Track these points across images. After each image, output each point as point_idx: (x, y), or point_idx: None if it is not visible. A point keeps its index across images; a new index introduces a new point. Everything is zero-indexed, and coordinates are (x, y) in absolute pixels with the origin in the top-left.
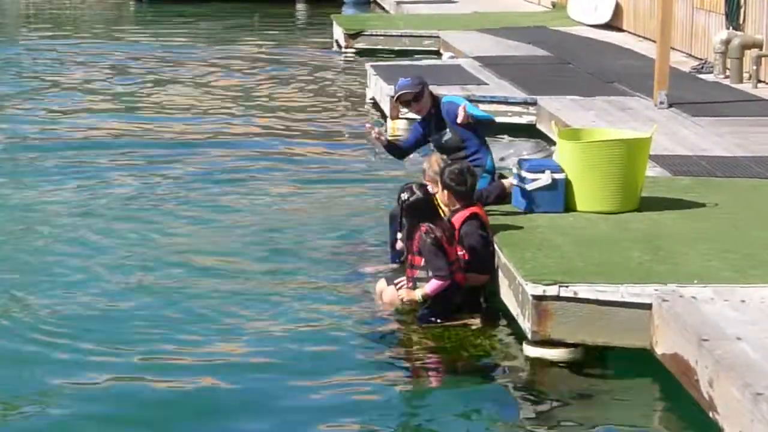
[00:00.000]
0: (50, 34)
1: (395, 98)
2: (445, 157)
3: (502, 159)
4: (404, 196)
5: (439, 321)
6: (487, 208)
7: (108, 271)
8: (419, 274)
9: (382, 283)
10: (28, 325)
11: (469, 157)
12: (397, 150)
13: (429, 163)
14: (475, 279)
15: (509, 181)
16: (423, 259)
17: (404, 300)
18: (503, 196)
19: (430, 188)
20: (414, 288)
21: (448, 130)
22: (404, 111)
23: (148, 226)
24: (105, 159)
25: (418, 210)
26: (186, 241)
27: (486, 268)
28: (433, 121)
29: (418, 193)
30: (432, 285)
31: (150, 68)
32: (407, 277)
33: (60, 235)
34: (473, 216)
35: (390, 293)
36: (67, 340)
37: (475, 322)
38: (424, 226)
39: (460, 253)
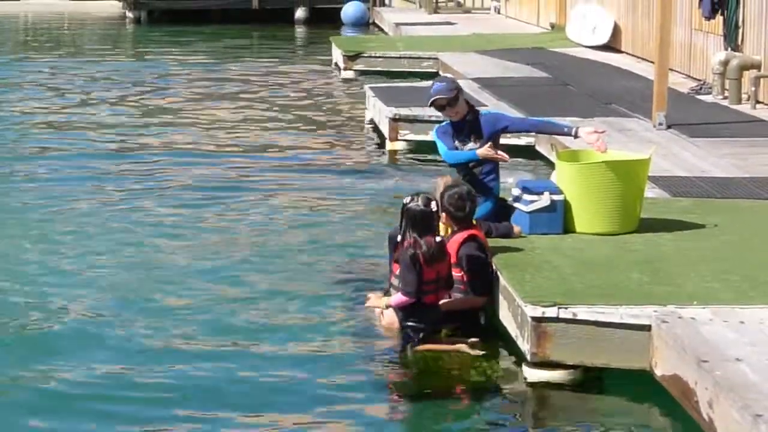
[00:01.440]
0: (48, 53)
1: (429, 103)
2: (450, 179)
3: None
4: (407, 200)
5: (415, 340)
6: None
7: (96, 296)
8: (394, 281)
9: (374, 300)
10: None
11: (483, 174)
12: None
13: (437, 184)
14: (472, 301)
15: (519, 228)
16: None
17: (370, 306)
18: (509, 236)
19: (434, 205)
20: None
21: (474, 143)
22: (403, 133)
23: (141, 246)
24: (100, 174)
25: (414, 218)
26: (181, 260)
27: (483, 290)
28: (467, 127)
29: (420, 203)
30: (396, 298)
31: (147, 88)
32: (389, 281)
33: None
34: (471, 238)
35: (389, 316)
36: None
37: (469, 347)
38: (411, 239)
39: (458, 274)
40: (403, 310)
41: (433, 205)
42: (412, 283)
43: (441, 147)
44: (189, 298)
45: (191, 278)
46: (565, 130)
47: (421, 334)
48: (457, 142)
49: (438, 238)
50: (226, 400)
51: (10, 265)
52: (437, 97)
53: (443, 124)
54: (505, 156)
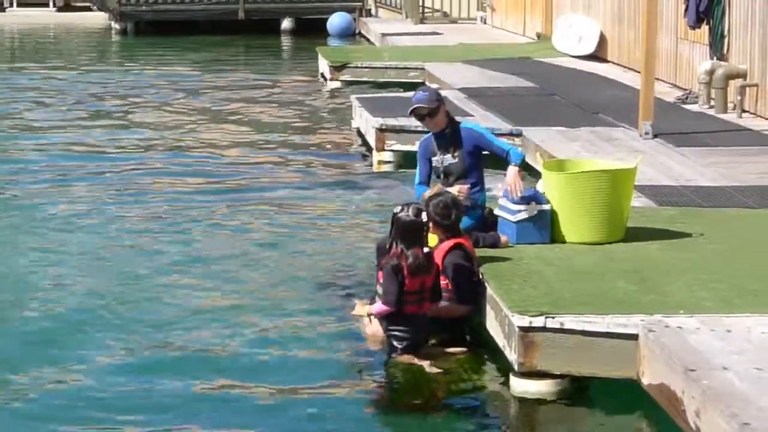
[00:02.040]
0: (34, 64)
1: (410, 111)
2: (437, 187)
3: (488, 190)
4: (397, 209)
5: (399, 350)
6: None
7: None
8: (378, 288)
9: (359, 308)
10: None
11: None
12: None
13: (430, 191)
14: (453, 310)
15: (506, 238)
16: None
17: (355, 314)
18: (496, 246)
19: (424, 216)
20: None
21: (456, 154)
22: (390, 143)
23: (121, 258)
24: (86, 184)
25: (404, 228)
26: (164, 271)
27: (466, 299)
28: (447, 140)
29: (410, 214)
30: (376, 306)
31: (131, 99)
32: (375, 289)
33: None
34: (457, 246)
35: (373, 325)
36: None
37: (454, 355)
38: (398, 249)
39: (443, 282)
40: (386, 320)
41: (424, 216)
42: (392, 293)
43: (416, 176)
44: (172, 310)
45: (175, 289)
46: (509, 161)
47: (405, 344)
48: (436, 157)
49: (426, 249)
50: (205, 410)
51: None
52: (418, 106)
53: (426, 136)
54: (464, 192)
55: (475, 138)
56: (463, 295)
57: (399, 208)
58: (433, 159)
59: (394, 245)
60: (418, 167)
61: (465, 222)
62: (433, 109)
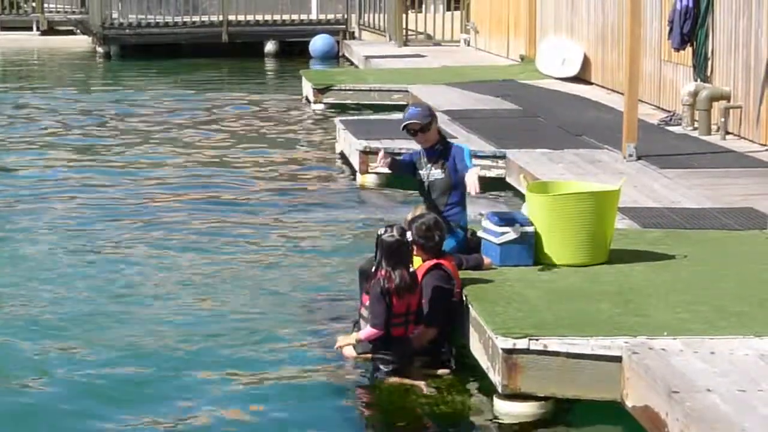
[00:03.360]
0: (18, 87)
1: (402, 126)
2: (420, 209)
3: (480, 214)
4: (381, 231)
5: (384, 373)
6: None
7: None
8: (364, 312)
9: (342, 339)
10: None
11: (448, 206)
12: (396, 165)
13: (412, 213)
14: (423, 335)
15: (489, 260)
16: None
17: (338, 346)
18: (479, 268)
19: (409, 235)
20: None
21: (441, 170)
22: (373, 165)
23: (107, 283)
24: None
25: (389, 249)
26: (147, 293)
27: (437, 321)
28: (437, 154)
29: (395, 234)
30: (365, 331)
31: (117, 123)
32: (358, 312)
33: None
34: (436, 266)
35: (343, 340)
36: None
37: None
38: (384, 271)
39: (424, 300)
40: (372, 343)
41: (408, 236)
42: (381, 316)
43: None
44: (155, 333)
45: (158, 311)
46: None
47: (390, 367)
48: (422, 170)
49: (411, 269)
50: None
51: None
52: (412, 121)
53: (414, 152)
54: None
55: (459, 155)
56: (434, 316)
57: (383, 229)
58: (420, 172)
59: (381, 267)
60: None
61: (447, 243)
62: (425, 124)
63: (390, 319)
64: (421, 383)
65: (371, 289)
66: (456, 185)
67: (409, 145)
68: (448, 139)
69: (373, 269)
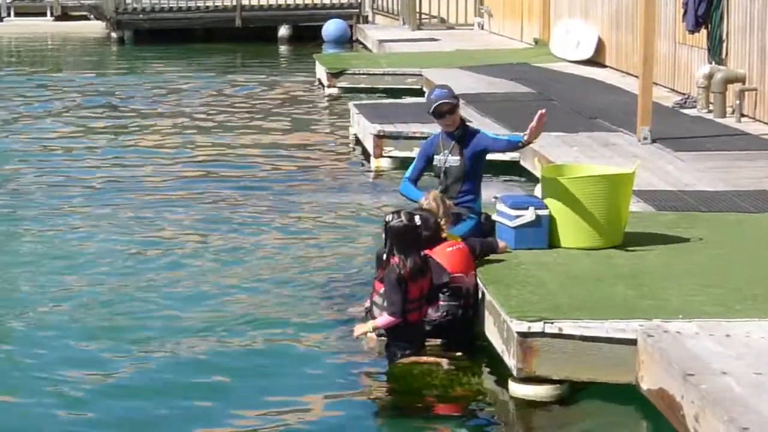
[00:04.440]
0: (31, 72)
1: (432, 108)
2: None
3: (495, 198)
4: (389, 217)
5: (401, 358)
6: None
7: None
8: (377, 299)
9: (360, 328)
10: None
11: (462, 192)
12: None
13: (427, 199)
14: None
15: (504, 244)
16: (383, 287)
17: (356, 335)
18: (494, 252)
19: (417, 219)
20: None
21: (458, 157)
22: (387, 150)
23: (121, 270)
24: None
25: (398, 235)
26: (162, 282)
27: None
28: (455, 139)
29: (402, 219)
30: (382, 319)
31: (131, 108)
32: (370, 300)
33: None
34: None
35: (360, 328)
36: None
37: (449, 363)
38: (396, 258)
39: None
40: (387, 330)
41: (417, 220)
42: (398, 303)
43: (408, 169)
44: (171, 321)
45: (173, 300)
46: (519, 144)
47: (407, 352)
48: (439, 156)
49: (422, 253)
50: (206, 418)
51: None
52: (443, 101)
53: (434, 135)
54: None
55: (481, 140)
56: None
57: (390, 216)
58: (436, 157)
59: (392, 253)
60: (414, 163)
61: (462, 228)
62: (454, 105)
63: (406, 305)
64: (442, 360)
65: (386, 277)
66: (471, 173)
67: (422, 129)
68: (466, 122)
69: (384, 256)
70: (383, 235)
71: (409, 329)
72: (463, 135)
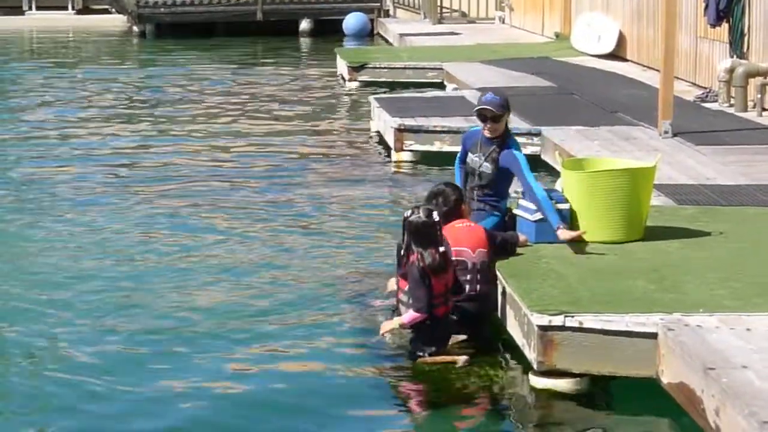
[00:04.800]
0: (53, 66)
1: (476, 110)
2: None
3: (516, 192)
4: (407, 213)
5: (425, 354)
6: None
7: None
8: (402, 296)
9: (386, 325)
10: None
11: (488, 195)
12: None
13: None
14: None
15: (524, 237)
16: (407, 284)
17: (383, 333)
18: (514, 245)
19: (436, 215)
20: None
21: (491, 165)
22: (408, 143)
23: (141, 255)
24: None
25: (417, 231)
26: (183, 273)
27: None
28: (492, 147)
29: (421, 215)
30: (408, 315)
31: (151, 100)
32: (396, 298)
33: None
34: None
35: (386, 326)
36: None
37: (465, 361)
38: (417, 253)
39: None
40: (413, 326)
41: (435, 216)
42: (423, 299)
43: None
44: (185, 315)
45: (186, 293)
46: (553, 225)
47: (432, 349)
48: (474, 156)
49: (441, 249)
50: (228, 411)
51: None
52: (486, 107)
53: (476, 130)
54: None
55: (510, 162)
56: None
57: (409, 211)
58: (471, 155)
59: (411, 249)
60: (461, 149)
61: (485, 224)
62: (498, 115)
63: (432, 300)
64: (459, 358)
65: (409, 274)
66: (499, 181)
67: (443, 123)
68: (511, 137)
69: (403, 252)
70: (402, 230)
71: (435, 325)
72: (501, 146)
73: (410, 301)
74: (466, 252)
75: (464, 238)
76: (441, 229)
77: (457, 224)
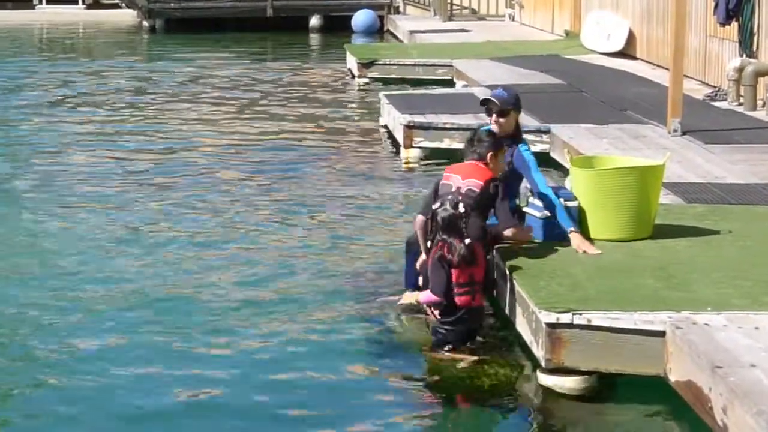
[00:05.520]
0: (63, 60)
1: (482, 101)
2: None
3: (525, 188)
4: (436, 205)
5: (448, 347)
6: None
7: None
8: (420, 282)
9: (407, 297)
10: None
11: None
12: None
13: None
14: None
15: (524, 232)
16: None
17: (400, 303)
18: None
19: (462, 207)
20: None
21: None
22: (417, 140)
23: (153, 253)
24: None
25: (442, 222)
26: (196, 268)
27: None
28: (506, 146)
29: (448, 207)
30: (425, 295)
31: (161, 95)
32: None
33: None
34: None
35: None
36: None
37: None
38: (440, 243)
39: None
40: (439, 311)
41: (461, 207)
42: (440, 285)
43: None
44: (197, 310)
45: (205, 284)
46: (567, 229)
47: (455, 342)
48: None
49: (467, 242)
50: (244, 407)
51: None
52: (491, 99)
53: (485, 128)
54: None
55: (520, 165)
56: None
57: (438, 204)
58: None
59: (437, 239)
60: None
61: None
62: (503, 110)
63: (451, 288)
64: (468, 357)
65: (431, 258)
66: (510, 179)
67: (453, 120)
68: (522, 138)
69: (429, 244)
70: (415, 235)
71: (456, 313)
72: (511, 145)
73: (429, 283)
74: (456, 178)
75: (464, 169)
76: (467, 222)
77: (472, 164)
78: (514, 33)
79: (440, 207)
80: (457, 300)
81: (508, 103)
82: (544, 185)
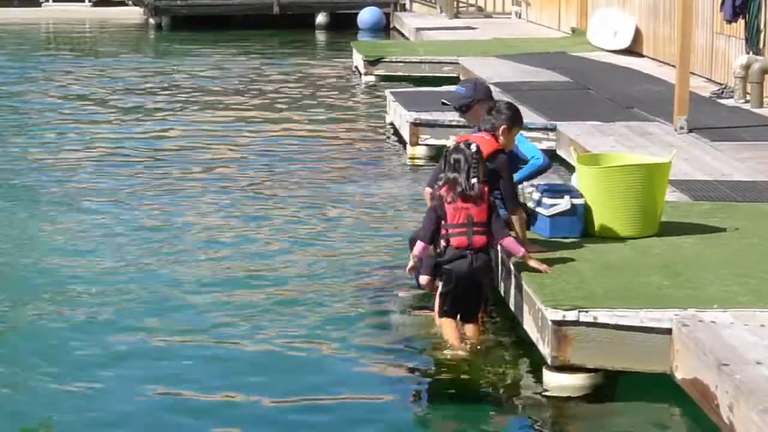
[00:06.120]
0: (69, 58)
1: (442, 101)
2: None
3: (531, 186)
4: (451, 146)
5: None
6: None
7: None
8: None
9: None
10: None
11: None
12: None
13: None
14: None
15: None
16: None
17: (410, 268)
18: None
19: (474, 146)
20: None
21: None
22: (424, 138)
23: (161, 252)
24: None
25: (450, 157)
26: (196, 268)
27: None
28: None
29: (460, 145)
30: (417, 246)
31: (169, 93)
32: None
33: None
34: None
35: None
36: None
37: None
38: (446, 182)
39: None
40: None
41: (473, 147)
42: (425, 229)
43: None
44: (204, 306)
45: (206, 286)
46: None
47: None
48: None
49: (473, 180)
50: (248, 399)
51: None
52: (444, 100)
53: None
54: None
55: (500, 167)
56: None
57: (453, 145)
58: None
59: (444, 177)
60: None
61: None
62: (461, 105)
63: (447, 230)
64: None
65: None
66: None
67: (459, 117)
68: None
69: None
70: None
71: (453, 255)
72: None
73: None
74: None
75: (472, 140)
76: (479, 161)
77: (481, 135)
78: (520, 30)
79: (452, 148)
80: (453, 240)
81: (466, 97)
82: (534, 149)
